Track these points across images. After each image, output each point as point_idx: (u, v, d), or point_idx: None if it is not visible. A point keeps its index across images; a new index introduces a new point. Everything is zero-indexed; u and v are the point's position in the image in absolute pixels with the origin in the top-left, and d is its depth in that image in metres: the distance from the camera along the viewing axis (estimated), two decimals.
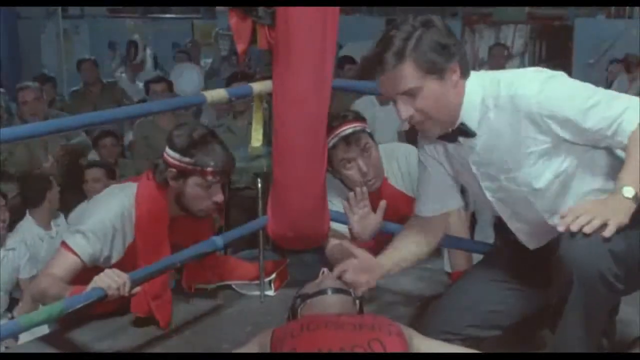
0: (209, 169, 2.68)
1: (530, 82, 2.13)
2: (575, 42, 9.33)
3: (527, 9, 10.00)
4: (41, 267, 4.30)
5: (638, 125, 2.07)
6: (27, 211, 4.66)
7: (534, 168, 2.18)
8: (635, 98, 2.17)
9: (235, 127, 5.21)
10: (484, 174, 2.27)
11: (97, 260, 2.65)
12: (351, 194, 2.81)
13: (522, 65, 9.93)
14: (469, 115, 2.19)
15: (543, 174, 2.18)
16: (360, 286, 2.33)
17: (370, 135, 3.03)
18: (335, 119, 2.96)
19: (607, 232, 1.92)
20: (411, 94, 2.12)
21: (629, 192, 1.97)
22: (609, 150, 2.21)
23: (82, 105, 7.10)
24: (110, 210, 2.70)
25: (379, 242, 3.05)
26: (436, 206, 2.46)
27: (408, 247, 2.48)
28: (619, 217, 1.94)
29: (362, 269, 2.35)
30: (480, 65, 9.65)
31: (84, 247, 2.62)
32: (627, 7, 9.65)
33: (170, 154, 2.71)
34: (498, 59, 7.97)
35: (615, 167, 2.13)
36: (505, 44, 9.22)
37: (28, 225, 4.60)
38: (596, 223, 1.93)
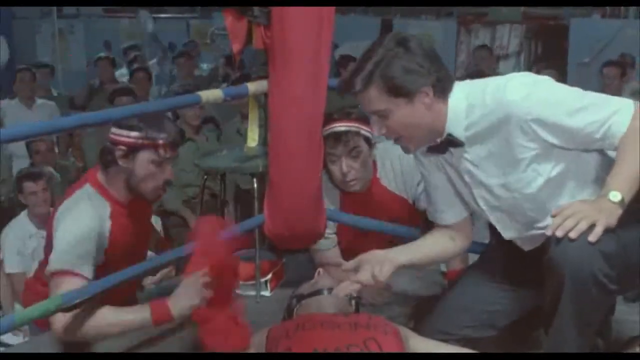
0: (161, 141, 2.57)
1: (516, 88, 2.12)
2: (571, 41, 9.33)
3: (522, 8, 10.00)
4: (27, 264, 4.35)
5: (628, 128, 2.07)
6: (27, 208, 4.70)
7: (524, 174, 2.18)
8: (625, 100, 2.16)
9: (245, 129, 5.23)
10: (476, 182, 2.27)
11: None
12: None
13: (517, 64, 9.94)
14: (455, 125, 2.20)
15: (534, 179, 2.18)
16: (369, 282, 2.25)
17: (368, 139, 2.99)
18: (338, 112, 2.96)
19: (594, 236, 1.92)
20: (381, 115, 2.20)
21: (615, 196, 1.98)
22: (601, 153, 2.21)
23: (97, 101, 7.15)
24: (86, 225, 2.53)
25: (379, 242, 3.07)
26: (456, 210, 2.43)
27: (427, 245, 2.45)
28: (606, 219, 1.94)
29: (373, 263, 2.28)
30: (475, 65, 9.64)
31: (83, 265, 2.45)
32: (623, 7, 9.66)
33: (117, 132, 2.59)
34: (484, 61, 7.97)
35: (607, 170, 2.12)
36: (487, 45, 9.18)
37: (21, 221, 4.64)
38: (583, 225, 1.93)
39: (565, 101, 2.11)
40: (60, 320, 2.40)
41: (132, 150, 2.57)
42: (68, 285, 2.41)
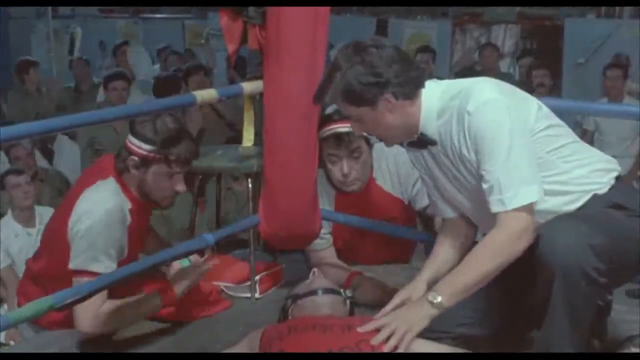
0: (173, 157, 2.63)
1: (475, 99, 2.15)
2: (566, 41, 9.34)
3: (517, 8, 10.01)
4: (10, 262, 4.42)
5: (495, 233, 2.13)
6: (10, 208, 4.76)
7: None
8: (535, 189, 2.12)
9: None
10: (451, 175, 2.31)
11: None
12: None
13: (512, 64, 9.94)
14: (428, 125, 2.25)
15: None
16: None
17: (367, 139, 3.00)
18: (338, 113, 2.95)
19: (404, 345, 2.09)
20: (354, 119, 2.29)
21: (435, 297, 2.13)
22: (565, 159, 2.23)
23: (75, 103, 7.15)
24: (113, 220, 2.61)
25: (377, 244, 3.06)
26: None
27: (446, 253, 2.44)
28: (418, 325, 2.12)
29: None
30: (472, 65, 9.64)
31: (110, 266, 2.57)
32: (618, 7, 9.66)
33: (132, 141, 2.65)
34: (489, 59, 7.97)
35: (569, 171, 2.19)
36: (496, 44, 9.22)
37: (6, 221, 4.70)
38: (392, 342, 2.09)
39: (499, 135, 2.11)
40: (85, 317, 2.57)
41: (144, 162, 2.63)
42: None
